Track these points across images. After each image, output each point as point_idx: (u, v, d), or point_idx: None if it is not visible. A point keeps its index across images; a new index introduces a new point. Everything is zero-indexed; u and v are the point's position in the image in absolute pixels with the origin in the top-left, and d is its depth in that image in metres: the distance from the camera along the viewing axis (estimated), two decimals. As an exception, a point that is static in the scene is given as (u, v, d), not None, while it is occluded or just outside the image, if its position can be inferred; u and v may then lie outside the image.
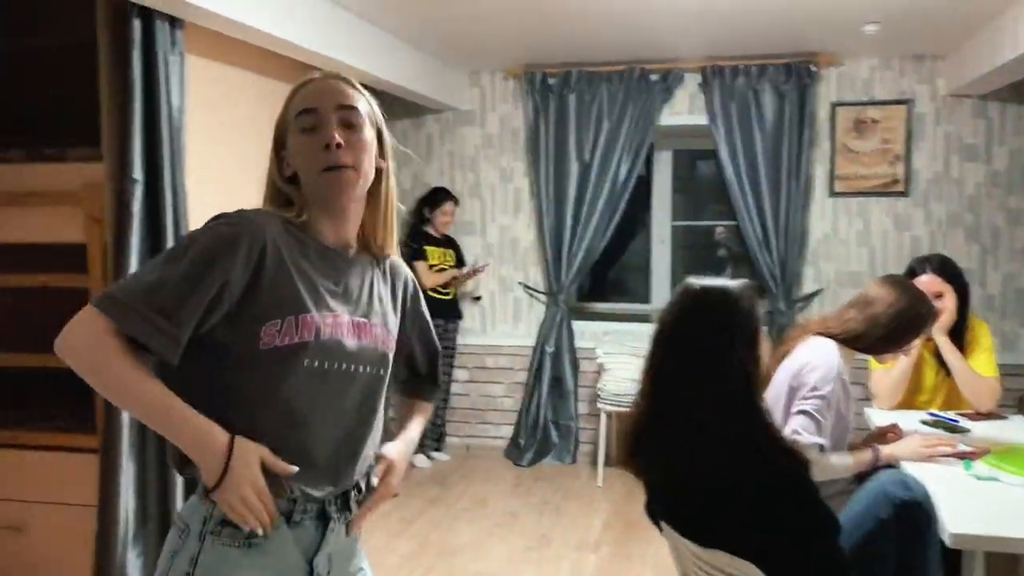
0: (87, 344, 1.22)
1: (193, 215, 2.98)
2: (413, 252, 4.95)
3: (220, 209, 1.39)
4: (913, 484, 2.13)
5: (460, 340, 5.28)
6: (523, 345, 5.33)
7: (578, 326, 5.26)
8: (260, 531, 1.27)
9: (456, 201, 5.10)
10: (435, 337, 1.67)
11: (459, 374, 5.37)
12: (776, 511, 1.64)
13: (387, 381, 1.47)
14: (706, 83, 4.95)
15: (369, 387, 1.42)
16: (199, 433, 1.23)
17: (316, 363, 1.31)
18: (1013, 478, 2.24)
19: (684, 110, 5.11)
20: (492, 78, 5.31)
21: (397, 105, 5.33)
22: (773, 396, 2.39)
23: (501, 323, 5.42)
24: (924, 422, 2.85)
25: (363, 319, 1.41)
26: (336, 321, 1.35)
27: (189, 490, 1.47)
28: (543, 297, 5.31)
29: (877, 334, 2.48)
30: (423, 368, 1.67)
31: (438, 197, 5.03)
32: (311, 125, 1.35)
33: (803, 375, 2.37)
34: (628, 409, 1.83)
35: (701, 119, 5.03)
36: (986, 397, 2.94)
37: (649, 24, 4.18)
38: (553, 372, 5.16)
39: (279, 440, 1.30)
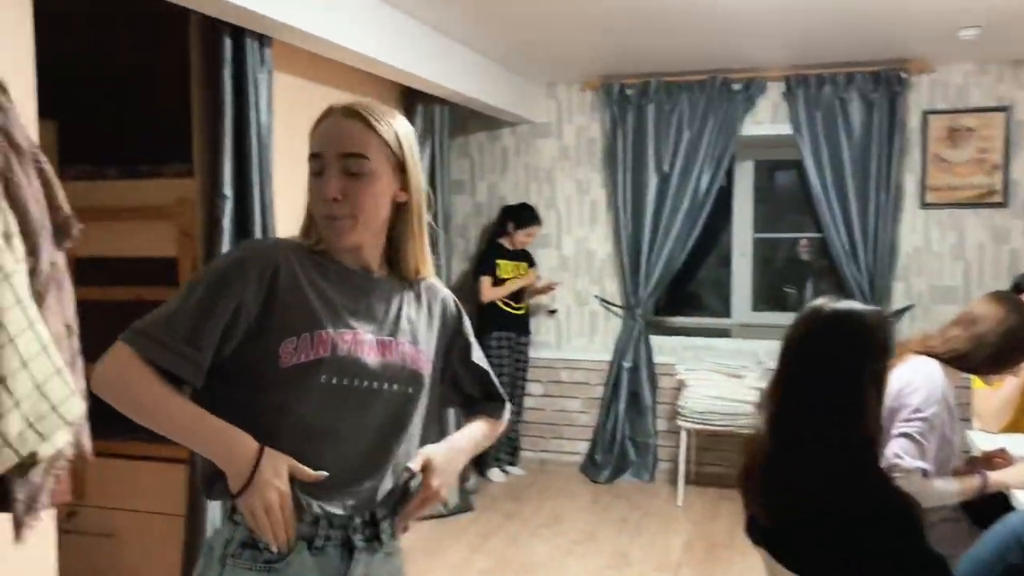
0: (117, 374, 1.28)
1: (280, 229, 3.02)
2: (482, 267, 4.95)
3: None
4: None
5: (534, 353, 5.25)
6: (599, 360, 5.26)
7: (655, 341, 5.17)
8: (275, 548, 1.28)
9: (541, 223, 5.08)
10: (481, 357, 1.61)
11: (533, 388, 5.33)
12: (884, 550, 1.55)
13: (421, 401, 1.45)
14: (790, 92, 4.82)
15: (397, 405, 1.40)
16: (229, 440, 1.27)
17: (334, 379, 1.32)
18: None
19: (767, 119, 4.99)
20: (568, 90, 5.28)
21: (473, 119, 5.36)
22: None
23: (576, 337, 5.37)
24: (1035, 448, 2.69)
25: (389, 337, 1.40)
26: (356, 338, 1.35)
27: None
28: (620, 311, 5.24)
29: (984, 354, 2.34)
30: (473, 390, 1.61)
31: (525, 217, 4.99)
32: (317, 170, 1.37)
33: (904, 396, 2.25)
34: (751, 431, 1.75)
35: (784, 129, 4.90)
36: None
37: (731, 33, 4.10)
38: (630, 387, 5.08)
39: (297, 455, 1.31)
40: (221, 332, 1.30)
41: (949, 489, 2.25)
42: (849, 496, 1.57)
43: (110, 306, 3.25)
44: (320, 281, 1.36)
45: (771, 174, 5.47)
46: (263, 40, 2.97)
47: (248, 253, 1.36)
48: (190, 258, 2.90)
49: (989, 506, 2.28)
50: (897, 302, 4.82)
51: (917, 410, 2.22)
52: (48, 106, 2.36)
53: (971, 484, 2.27)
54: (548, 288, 5.09)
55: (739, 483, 1.80)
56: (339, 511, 1.35)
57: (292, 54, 3.27)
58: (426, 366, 1.45)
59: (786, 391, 1.65)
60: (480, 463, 4.98)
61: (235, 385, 1.32)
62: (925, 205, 4.79)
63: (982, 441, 2.79)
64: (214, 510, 2.85)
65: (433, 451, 1.45)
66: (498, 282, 4.91)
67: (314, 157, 1.38)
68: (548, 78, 5.19)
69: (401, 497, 1.44)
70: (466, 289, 5.31)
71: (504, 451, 5.14)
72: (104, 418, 3.30)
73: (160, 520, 3.02)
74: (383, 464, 1.41)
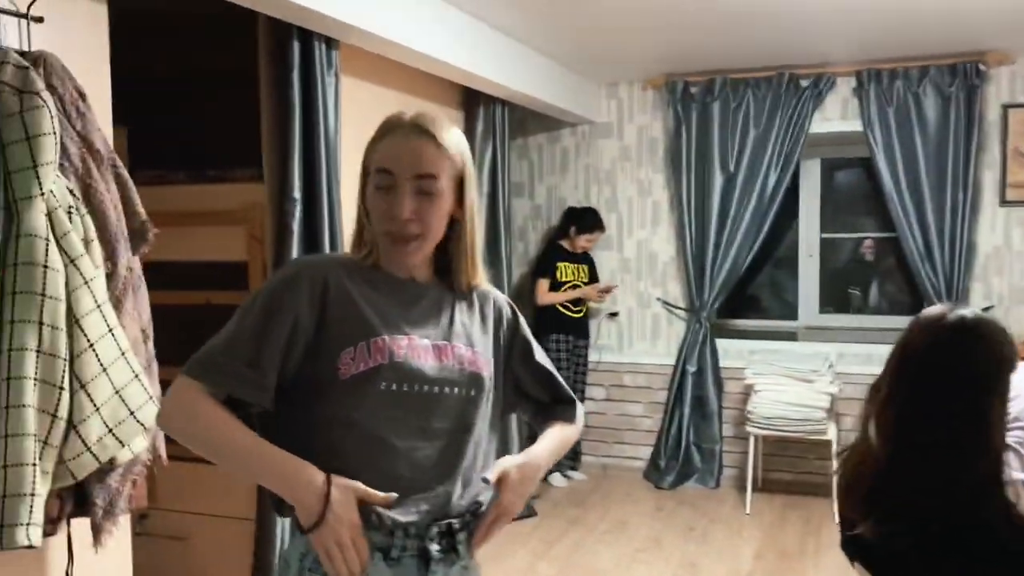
0: (181, 409, 1.28)
1: (348, 233, 3.00)
2: (540, 269, 4.90)
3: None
4: None
5: (596, 357, 5.17)
6: (662, 363, 5.16)
7: (719, 344, 5.05)
8: None
9: (604, 229, 5.00)
10: (544, 358, 1.56)
11: (595, 392, 5.25)
12: (1006, 566, 1.45)
13: (484, 403, 1.41)
14: (861, 87, 4.67)
15: (459, 409, 1.37)
16: (294, 475, 1.24)
17: (393, 386, 1.31)
18: None
19: (836, 116, 4.84)
20: (630, 89, 5.20)
21: (532, 120, 5.31)
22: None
23: (639, 340, 5.27)
24: None
25: (444, 342, 1.39)
26: (411, 344, 1.34)
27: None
28: (683, 314, 5.13)
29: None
30: (540, 394, 1.56)
31: (588, 222, 4.91)
32: (387, 185, 1.35)
33: (1004, 405, 2.13)
34: (857, 443, 1.65)
35: (855, 125, 4.75)
36: None
37: (799, 27, 3.97)
38: (695, 392, 4.97)
39: (364, 464, 1.29)
40: (281, 351, 1.29)
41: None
42: (980, 509, 1.47)
43: (180, 311, 3.28)
44: (371, 292, 1.36)
45: (830, 174, 5.31)
46: (330, 43, 2.96)
47: (297, 270, 1.36)
48: (259, 262, 2.89)
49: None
50: (976, 303, 4.62)
51: (1017, 419, 2.11)
52: (118, 112, 2.37)
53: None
54: (606, 292, 5.00)
55: (841, 496, 1.70)
56: (413, 518, 1.32)
57: (356, 57, 3.25)
58: (485, 368, 1.43)
59: (906, 402, 1.55)
60: (542, 468, 4.91)
61: (297, 404, 1.31)
62: (1005, 202, 4.59)
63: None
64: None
65: (510, 464, 1.40)
66: (557, 285, 4.85)
67: (384, 172, 1.35)
68: (609, 77, 5.11)
69: (476, 509, 1.40)
70: (524, 292, 5.26)
71: (566, 456, 5.06)
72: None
73: (231, 524, 3.03)
74: (453, 469, 1.37)
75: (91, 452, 1.83)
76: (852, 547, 1.72)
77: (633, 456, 5.23)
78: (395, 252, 1.37)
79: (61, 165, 1.90)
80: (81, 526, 2.02)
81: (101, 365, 1.85)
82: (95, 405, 1.83)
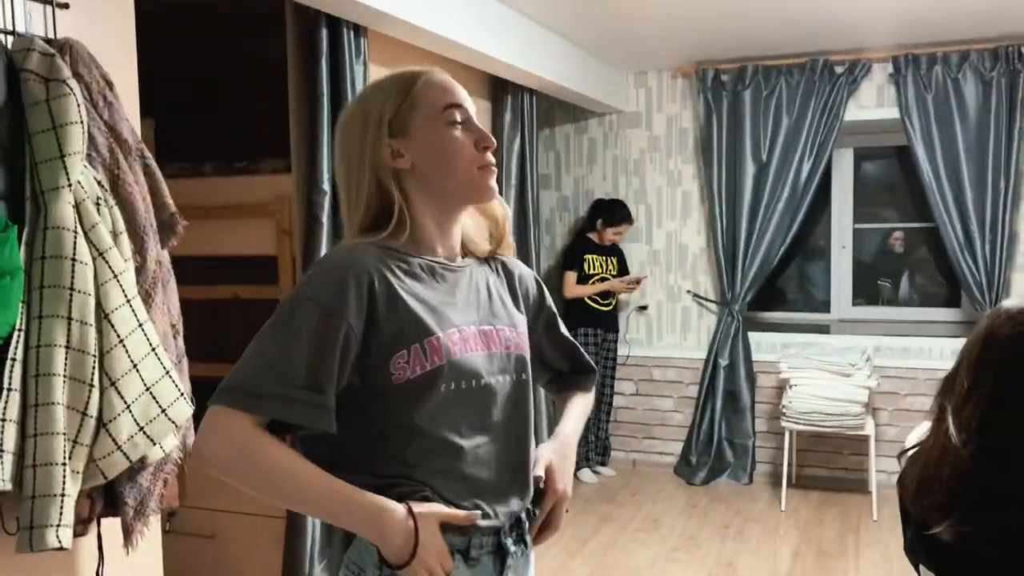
0: (231, 447, 1.13)
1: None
2: (568, 262, 4.82)
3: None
4: None
5: (625, 351, 5.08)
6: (692, 357, 5.06)
7: (751, 337, 4.95)
8: None
9: (632, 222, 4.91)
10: (565, 330, 1.55)
11: (624, 387, 5.17)
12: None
13: (531, 385, 1.38)
14: (898, 73, 4.54)
15: (513, 396, 1.32)
16: (377, 517, 1.15)
17: (453, 385, 1.23)
18: None
19: (871, 103, 4.72)
20: (659, 77, 5.09)
21: (559, 110, 5.22)
22: None
23: (668, 334, 5.18)
24: None
25: (488, 326, 1.32)
26: (463, 336, 1.26)
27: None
28: (714, 307, 5.03)
29: None
30: (560, 364, 1.55)
31: (616, 214, 4.81)
32: (463, 119, 1.29)
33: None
34: (931, 439, 1.56)
35: (891, 113, 4.63)
36: None
37: (833, 11, 3.85)
38: (727, 386, 4.87)
39: (431, 470, 1.22)
40: (338, 367, 1.17)
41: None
42: None
43: (207, 306, 3.23)
44: (412, 283, 1.25)
45: (857, 163, 5.19)
46: (359, 30, 2.90)
47: (341, 272, 1.20)
48: (288, 256, 2.83)
49: None
50: (1017, 296, 4.49)
51: None
52: (145, 103, 2.32)
53: None
54: (635, 284, 4.90)
55: (912, 498, 1.61)
56: (494, 523, 1.27)
57: (384, 45, 3.18)
58: (527, 346, 1.38)
59: (988, 396, 1.46)
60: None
61: (350, 419, 1.20)
62: (1048, 191, 4.45)
63: None
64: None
65: (549, 454, 1.40)
66: (585, 278, 4.77)
67: (457, 107, 1.29)
68: (638, 65, 5.01)
69: (535, 495, 1.38)
70: (552, 285, 5.19)
71: (595, 451, 4.99)
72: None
73: (261, 522, 2.98)
74: (518, 461, 1.33)
75: (122, 451, 1.77)
76: (921, 550, 1.63)
77: (663, 451, 5.14)
78: (487, 188, 1.30)
79: (88, 155, 1.84)
80: (112, 526, 1.97)
81: (131, 361, 1.79)
82: (125, 402, 1.77)
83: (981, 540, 1.45)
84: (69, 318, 1.71)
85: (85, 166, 1.80)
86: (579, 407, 1.52)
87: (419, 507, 1.17)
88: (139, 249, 1.92)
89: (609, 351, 4.93)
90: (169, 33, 3.03)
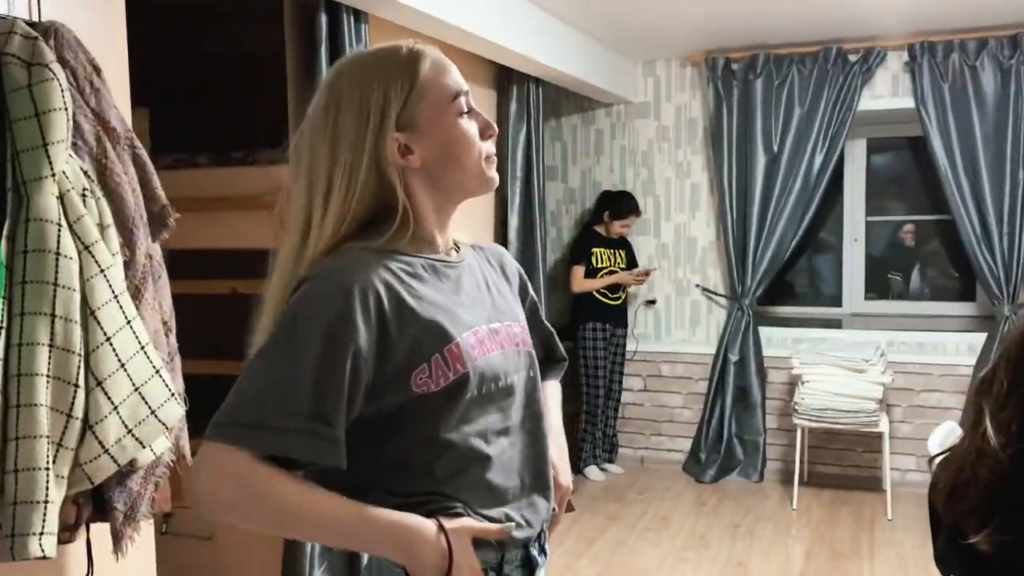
0: (231, 486, 1.02)
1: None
2: (575, 256, 4.73)
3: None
4: None
5: (632, 346, 4.98)
6: (701, 352, 4.97)
7: (761, 332, 4.85)
8: None
9: (640, 213, 4.81)
10: (544, 318, 1.51)
11: (632, 382, 5.07)
12: None
13: (540, 381, 1.32)
14: (913, 61, 4.42)
15: (527, 395, 1.26)
16: (407, 537, 1.05)
17: (476, 392, 1.15)
18: None
19: (886, 93, 4.61)
20: (668, 66, 4.98)
21: (565, 101, 5.13)
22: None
23: (677, 329, 5.08)
24: None
25: (497, 324, 1.24)
26: (478, 337, 1.18)
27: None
28: (724, 301, 4.93)
29: None
30: (540, 353, 1.46)
31: (623, 208, 4.71)
32: (471, 107, 1.21)
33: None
34: (967, 443, 1.46)
35: (906, 102, 4.51)
36: None
37: (851, -3, 3.75)
38: (737, 382, 4.77)
39: (460, 483, 1.14)
40: (347, 395, 1.05)
41: None
42: None
43: (204, 300, 3.15)
44: (418, 286, 1.15)
45: (868, 155, 5.07)
46: (359, 15, 2.80)
47: (344, 288, 1.07)
48: (287, 249, 2.74)
49: None
50: (1036, 289, 4.39)
51: None
52: (140, 93, 2.23)
53: None
54: (643, 276, 4.80)
55: (944, 504, 1.51)
56: (526, 534, 1.20)
57: (386, 31, 3.08)
58: (530, 340, 1.32)
59: None
60: (577, 461, 4.76)
61: (370, 441, 1.11)
62: (1068, 182, 4.34)
63: None
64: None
65: (552, 448, 1.33)
66: (593, 272, 4.68)
67: (466, 94, 1.20)
68: (646, 54, 4.90)
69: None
70: (559, 279, 5.10)
71: (602, 448, 4.90)
72: (199, 416, 3.19)
73: (259, 523, 2.90)
74: (539, 463, 1.26)
75: (109, 454, 1.69)
76: (955, 560, 1.54)
77: (672, 449, 5.05)
78: (490, 179, 1.22)
79: (74, 144, 1.76)
80: (102, 531, 1.89)
81: (119, 360, 1.70)
82: (113, 404, 1.69)
83: (1022, 549, 1.35)
84: (53, 315, 1.62)
85: (70, 155, 1.72)
86: (557, 396, 1.49)
87: (451, 523, 1.08)
88: (128, 243, 1.83)
89: (618, 346, 4.83)
90: (165, 20, 2.94)
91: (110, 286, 1.71)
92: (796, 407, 4.25)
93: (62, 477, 1.65)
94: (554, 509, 1.30)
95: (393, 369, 1.09)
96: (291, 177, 1.22)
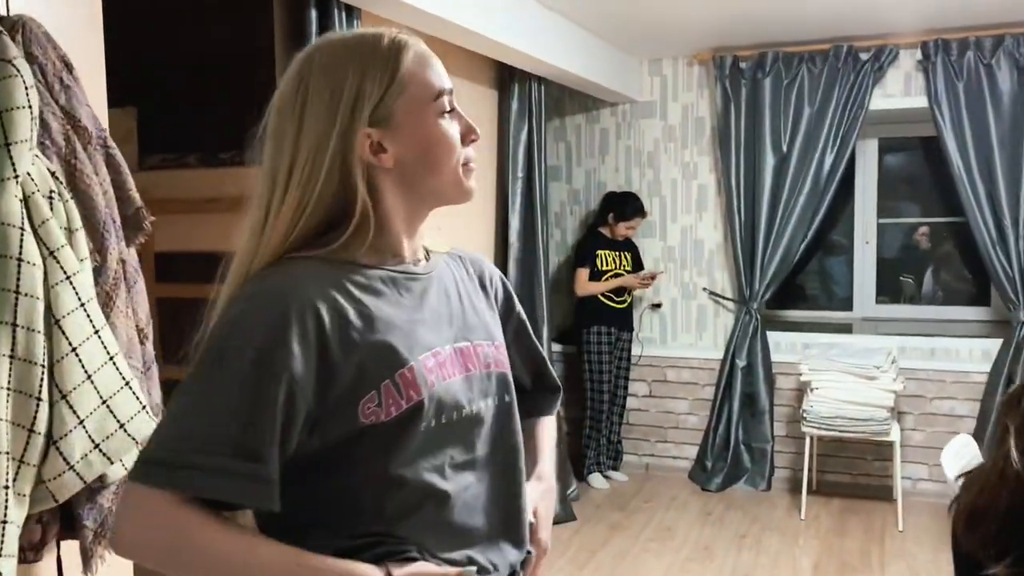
0: (152, 533, 0.93)
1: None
2: (579, 258, 4.63)
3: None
4: None
5: (637, 351, 4.87)
6: (708, 357, 4.86)
7: (769, 337, 4.73)
8: None
9: (645, 215, 4.71)
10: (535, 340, 1.36)
11: (637, 388, 4.97)
12: None
13: (516, 408, 1.18)
14: (926, 59, 4.30)
15: (498, 423, 1.13)
16: None
17: (433, 422, 1.03)
18: None
19: (898, 92, 4.49)
20: (675, 65, 4.88)
21: (569, 100, 5.03)
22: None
23: (683, 333, 4.98)
24: None
25: (465, 343, 1.11)
26: (438, 360, 1.05)
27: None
28: (731, 305, 4.82)
29: None
30: (528, 380, 1.35)
31: (628, 210, 4.60)
32: (452, 107, 1.09)
33: None
34: (992, 464, 1.36)
35: (919, 102, 4.40)
36: None
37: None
38: (745, 388, 4.66)
39: (415, 525, 1.02)
40: (280, 428, 0.93)
41: None
42: None
43: (193, 305, 3.07)
44: (372, 300, 1.03)
45: (880, 156, 4.95)
46: (351, 11, 2.71)
47: (275, 310, 0.95)
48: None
49: None
50: (1053, 294, 4.26)
51: None
52: (128, 92, 2.15)
53: None
54: (649, 279, 4.70)
55: (963, 528, 1.41)
56: (501, 572, 1.10)
57: (378, 27, 3.00)
58: (506, 361, 1.19)
59: None
60: (581, 468, 4.66)
61: (313, 478, 1.00)
62: (1086, 184, 4.21)
63: None
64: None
65: (536, 498, 1.22)
66: (598, 274, 4.58)
67: (450, 93, 1.09)
68: (652, 52, 4.80)
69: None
70: (562, 281, 5.00)
71: (606, 455, 4.80)
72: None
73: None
74: (516, 497, 1.15)
75: (75, 471, 1.60)
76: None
77: (677, 456, 4.94)
78: (469, 185, 1.11)
79: (41, 144, 1.67)
80: (73, 548, 1.81)
81: (85, 372, 1.62)
82: (78, 417, 1.61)
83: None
84: (14, 324, 1.54)
85: (37, 155, 1.63)
86: (550, 438, 1.36)
87: (401, 570, 0.98)
88: (98, 247, 1.75)
89: (623, 351, 4.73)
90: (153, 19, 2.86)
91: (76, 293, 1.62)
92: (805, 414, 4.14)
93: (23, 495, 1.57)
94: (529, 551, 1.17)
95: (337, 398, 0.98)
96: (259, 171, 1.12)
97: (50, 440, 1.58)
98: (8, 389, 1.53)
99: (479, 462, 1.09)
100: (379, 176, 1.06)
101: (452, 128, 1.08)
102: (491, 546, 1.09)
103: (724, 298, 4.85)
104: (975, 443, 2.65)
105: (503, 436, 1.13)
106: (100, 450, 1.64)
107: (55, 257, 1.60)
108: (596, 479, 4.70)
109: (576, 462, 4.63)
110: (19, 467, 1.55)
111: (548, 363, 1.38)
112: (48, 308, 1.59)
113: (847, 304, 5.05)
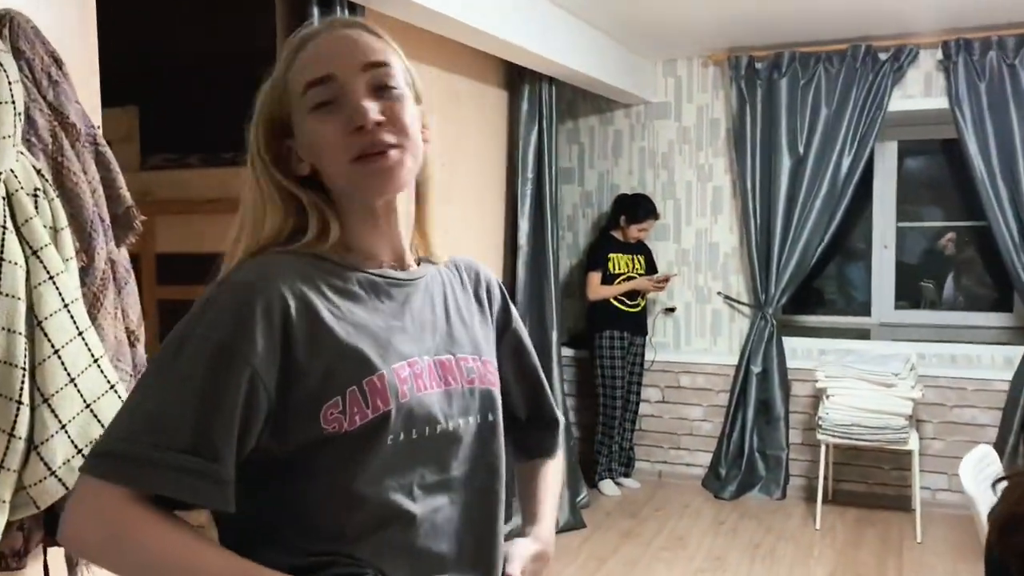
0: (98, 528, 0.87)
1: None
2: (591, 262, 4.56)
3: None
4: None
5: (650, 356, 4.79)
6: (723, 363, 4.77)
7: (785, 343, 4.64)
8: None
9: (658, 216, 4.63)
10: (536, 362, 1.25)
11: (650, 393, 4.89)
12: None
13: (501, 427, 1.09)
14: (948, 59, 4.20)
15: (479, 443, 1.05)
16: None
17: (402, 436, 0.96)
18: None
19: (918, 93, 4.39)
20: (689, 65, 4.80)
21: (582, 101, 4.97)
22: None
23: (697, 338, 4.89)
24: None
25: (447, 356, 1.04)
26: (414, 370, 0.99)
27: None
28: (746, 310, 4.74)
29: None
30: (523, 409, 1.24)
31: (640, 212, 4.54)
32: (329, 97, 0.97)
33: None
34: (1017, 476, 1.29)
35: (940, 103, 4.30)
36: None
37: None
38: (760, 395, 4.57)
39: (377, 547, 0.95)
40: (238, 424, 0.88)
41: None
42: None
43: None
44: (347, 304, 0.97)
45: (900, 158, 4.85)
46: (355, 9, 2.66)
47: (240, 299, 0.91)
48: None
49: None
50: (1078, 300, 4.15)
51: None
52: (132, 92, 2.11)
53: None
54: (663, 282, 4.62)
55: (996, 536, 1.34)
56: None
57: (384, 27, 2.93)
58: (495, 378, 1.11)
59: None
60: (592, 474, 4.59)
61: (271, 485, 0.94)
62: (1113, 187, 4.10)
63: None
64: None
65: (527, 557, 1.12)
66: (610, 278, 4.51)
67: (321, 82, 0.96)
68: (666, 53, 4.72)
69: None
70: (574, 285, 4.93)
71: (618, 462, 4.72)
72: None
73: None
74: (491, 525, 1.06)
75: (56, 476, 1.56)
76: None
77: (691, 463, 4.85)
78: (377, 180, 0.97)
79: (27, 141, 1.63)
80: (59, 555, 1.77)
81: (68, 375, 1.57)
82: (61, 422, 1.56)
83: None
84: (-6, 325, 1.50)
85: (21, 152, 1.59)
86: (553, 487, 1.24)
87: None
88: (85, 247, 1.70)
89: (636, 355, 4.66)
90: (156, 17, 2.83)
91: (60, 294, 1.58)
92: (820, 422, 4.05)
93: (3, 501, 1.52)
94: None
95: (300, 399, 0.92)
96: None
97: (31, 445, 1.54)
98: (-13, 392, 1.49)
99: (454, 483, 1.02)
100: (325, 178, 1.02)
101: (323, 125, 0.97)
102: (468, 566, 1.02)
103: (739, 302, 4.76)
104: (996, 454, 2.56)
105: (484, 457, 1.05)
106: (83, 455, 1.60)
107: (38, 256, 1.56)
108: (607, 486, 4.63)
109: (587, 468, 4.56)
110: (-1, 472, 1.51)
111: (548, 391, 1.27)
112: (30, 309, 1.55)
113: (865, 309, 4.95)
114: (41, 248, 1.57)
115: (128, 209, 1.82)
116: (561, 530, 3.96)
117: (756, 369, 4.56)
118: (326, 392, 0.92)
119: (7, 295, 1.51)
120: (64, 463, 1.57)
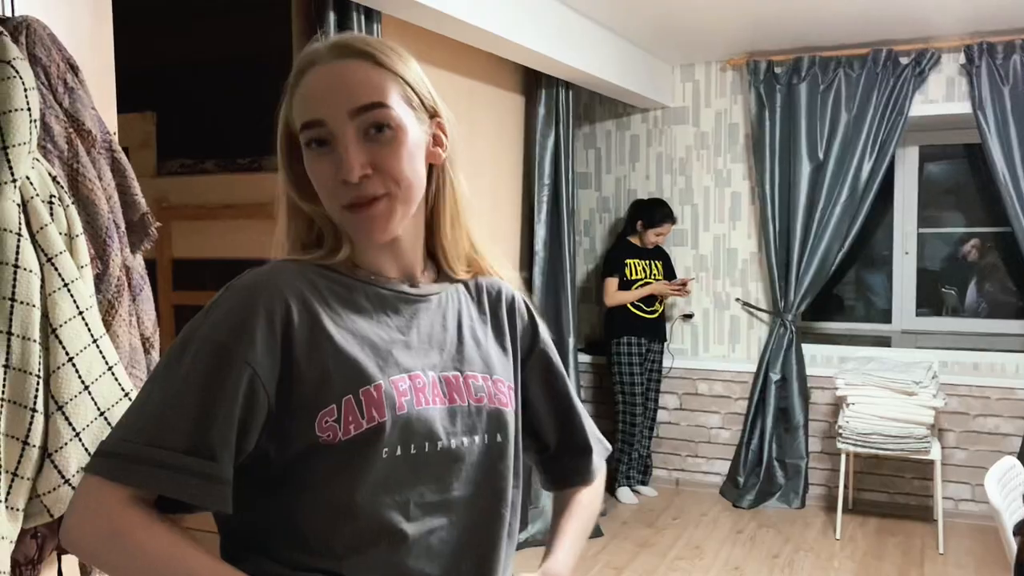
0: (97, 528, 0.86)
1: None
2: (608, 267, 4.53)
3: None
4: None
5: (668, 362, 4.76)
6: (741, 370, 4.73)
7: (805, 350, 4.59)
8: None
9: (675, 221, 4.60)
10: (567, 386, 1.18)
11: (667, 400, 4.85)
12: None
13: (513, 450, 1.06)
14: (970, 63, 4.15)
15: (484, 464, 1.02)
16: None
17: (397, 450, 0.94)
18: None
19: (940, 97, 4.34)
20: (707, 70, 4.77)
21: (599, 105, 4.94)
22: None
23: (715, 344, 4.85)
24: None
25: (454, 373, 1.02)
26: (415, 384, 0.97)
27: None
28: (766, 316, 4.69)
29: None
30: (552, 435, 1.18)
31: (657, 216, 4.51)
32: (321, 138, 0.96)
33: None
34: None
35: (962, 108, 4.24)
36: None
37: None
38: (779, 403, 4.52)
39: (367, 565, 0.93)
40: (237, 426, 0.88)
41: None
42: None
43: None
44: (350, 315, 0.97)
45: (921, 164, 4.79)
46: (371, 15, 2.66)
47: (246, 299, 0.93)
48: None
49: None
50: (1105, 308, 4.07)
51: None
52: (149, 98, 2.11)
53: None
54: (682, 287, 4.57)
55: None
56: None
57: (400, 32, 2.94)
58: (509, 400, 1.06)
59: None
60: (609, 482, 4.55)
61: (264, 494, 0.94)
62: None
63: None
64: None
65: None
66: (628, 284, 4.48)
67: (312, 126, 0.95)
68: (684, 57, 4.69)
69: None
70: (591, 290, 4.91)
71: (635, 469, 4.69)
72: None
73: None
74: (492, 551, 1.02)
75: (70, 485, 1.55)
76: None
77: (708, 471, 4.81)
78: (364, 231, 0.97)
79: (43, 148, 1.63)
80: (74, 563, 1.76)
81: (83, 382, 1.57)
82: (75, 430, 1.55)
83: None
84: (9, 333, 1.49)
85: (37, 159, 1.59)
86: (581, 521, 1.17)
87: None
88: (100, 254, 1.70)
89: (654, 362, 4.62)
90: (173, 24, 2.84)
91: (75, 302, 1.58)
92: (840, 430, 3.99)
93: (17, 510, 1.52)
94: None
95: (297, 404, 0.91)
96: None
97: (45, 453, 1.53)
98: (2, 400, 1.48)
99: (455, 504, 0.99)
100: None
101: (319, 164, 0.96)
102: None
103: (758, 309, 4.72)
104: (1021, 466, 2.51)
105: (489, 479, 1.02)
106: (97, 463, 1.59)
107: (53, 264, 1.56)
108: (625, 494, 4.59)
109: (606, 476, 4.52)
110: (13, 480, 1.50)
111: (581, 416, 1.20)
112: (45, 316, 1.54)
113: (886, 316, 4.89)
114: (56, 255, 1.56)
115: (143, 216, 1.82)
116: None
117: (775, 376, 4.52)
118: (322, 399, 0.91)
119: (22, 302, 1.50)
120: (78, 471, 1.56)
